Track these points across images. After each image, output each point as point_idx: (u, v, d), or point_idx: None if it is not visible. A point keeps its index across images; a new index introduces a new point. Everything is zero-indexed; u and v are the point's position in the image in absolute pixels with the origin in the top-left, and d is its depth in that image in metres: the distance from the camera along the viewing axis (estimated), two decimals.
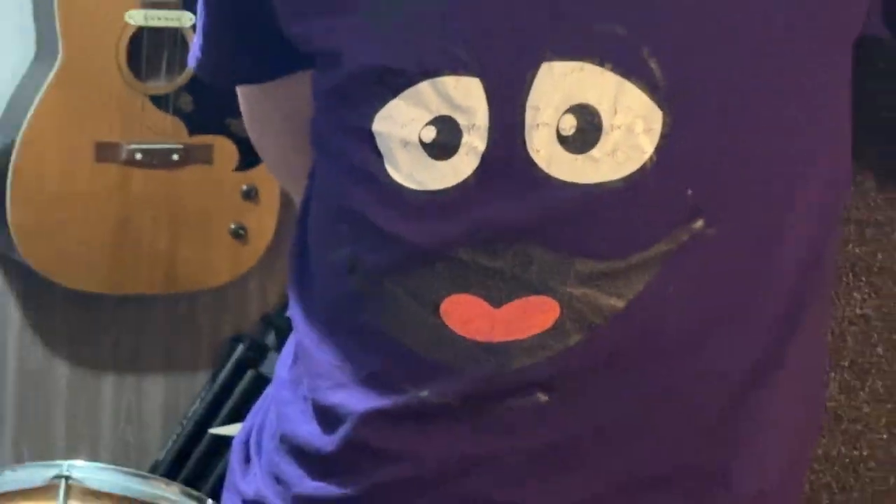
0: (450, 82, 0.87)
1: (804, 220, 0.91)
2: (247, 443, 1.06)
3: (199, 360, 2.67)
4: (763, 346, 0.91)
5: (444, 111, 0.89)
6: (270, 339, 2.52)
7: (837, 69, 0.90)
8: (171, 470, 2.31)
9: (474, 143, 0.88)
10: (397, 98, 0.90)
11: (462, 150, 0.88)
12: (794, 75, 0.88)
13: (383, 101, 0.89)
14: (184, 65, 2.29)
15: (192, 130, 2.36)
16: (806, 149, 0.90)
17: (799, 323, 0.93)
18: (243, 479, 1.04)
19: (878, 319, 1.20)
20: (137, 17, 2.32)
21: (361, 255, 0.93)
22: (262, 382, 2.37)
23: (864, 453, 1.20)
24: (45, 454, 2.35)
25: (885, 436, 1.21)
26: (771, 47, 0.86)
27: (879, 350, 1.21)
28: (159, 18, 2.36)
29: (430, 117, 0.89)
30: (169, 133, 2.37)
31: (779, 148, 0.88)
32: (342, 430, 0.92)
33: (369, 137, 0.90)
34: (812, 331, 0.97)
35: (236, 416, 2.39)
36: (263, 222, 2.48)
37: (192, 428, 2.46)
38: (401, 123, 0.89)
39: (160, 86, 2.35)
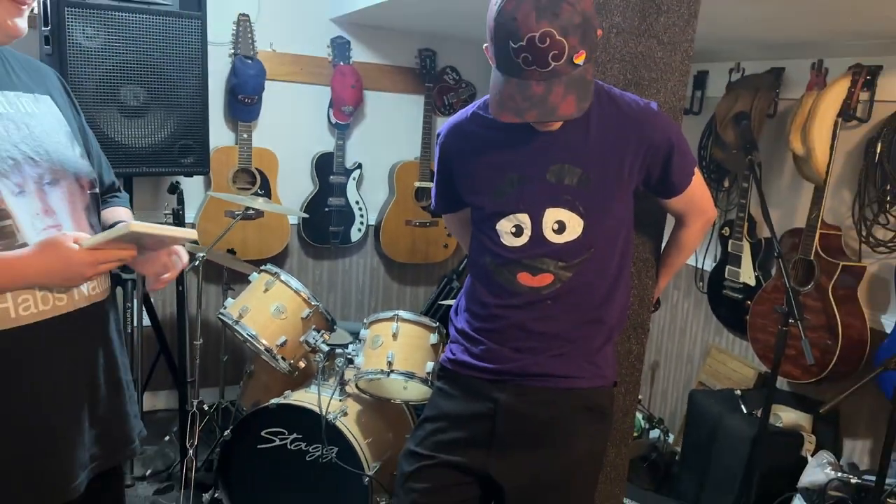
0: (519, 216, 1.43)
1: (622, 242, 1.49)
2: (456, 308, 1.60)
3: (431, 281, 3.95)
4: (612, 281, 1.49)
5: (517, 223, 1.44)
6: (454, 275, 3.67)
7: (629, 202, 1.49)
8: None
9: (528, 233, 1.42)
10: (503, 220, 1.45)
11: (524, 235, 1.42)
12: (618, 206, 1.46)
13: (498, 221, 1.45)
14: (429, 198, 3.54)
15: (433, 216, 3.71)
16: (622, 225, 1.49)
17: (622, 271, 1.51)
18: (456, 320, 1.59)
19: (635, 274, 1.70)
20: (417, 184, 3.65)
21: (492, 260, 1.47)
22: (454, 289, 3.61)
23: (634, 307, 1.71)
24: (387, 308, 3.29)
25: (636, 305, 1.75)
26: (612, 201, 1.43)
27: (636, 283, 1.72)
28: (423, 183, 3.66)
29: (512, 225, 1.44)
30: (427, 217, 3.72)
31: (616, 225, 1.48)
32: (487, 309, 1.50)
33: (496, 231, 1.45)
34: (627, 273, 1.54)
35: (446, 297, 3.55)
36: (453, 242, 3.80)
37: (430, 303, 3.70)
38: (505, 227, 1.44)
39: (424, 205, 3.68)
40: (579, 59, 1.26)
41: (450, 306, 1.66)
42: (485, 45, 1.36)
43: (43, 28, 2.58)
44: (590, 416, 1.51)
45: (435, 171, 1.59)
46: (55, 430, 1.30)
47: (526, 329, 1.46)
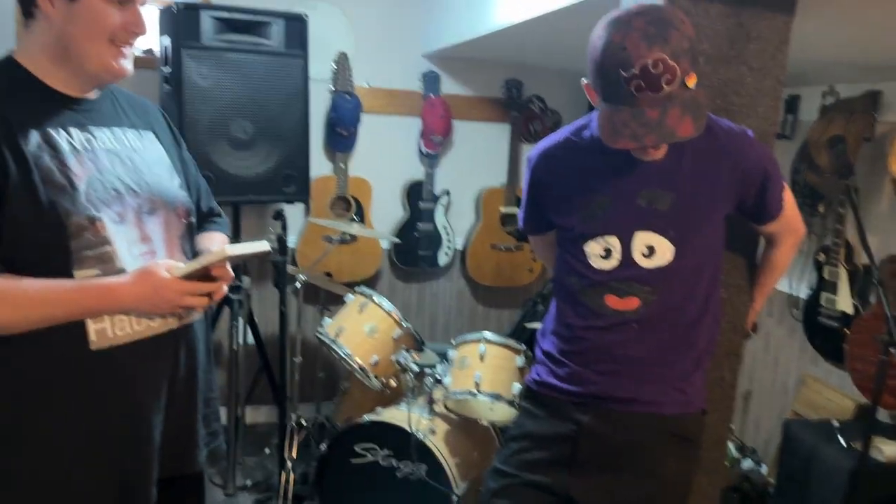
0: (608, 238, 1.42)
1: (712, 268, 1.48)
2: (543, 330, 1.60)
3: (516, 303, 3.87)
4: (700, 306, 1.47)
5: (607, 246, 1.43)
6: (539, 299, 3.34)
7: (720, 227, 1.47)
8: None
9: (618, 256, 1.41)
10: (592, 241, 1.44)
11: (613, 258, 1.42)
12: (710, 231, 1.45)
13: (587, 241, 1.44)
14: (514, 223, 3.45)
15: (519, 240, 3.69)
16: (712, 250, 1.48)
17: (711, 295, 1.48)
18: (542, 342, 1.59)
19: (728, 300, 1.68)
20: (503, 210, 3.62)
21: (578, 281, 1.46)
22: (538, 312, 3.28)
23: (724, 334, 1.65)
24: (472, 330, 2.63)
25: (729, 332, 1.71)
26: (703, 226, 1.42)
27: (729, 309, 1.67)
28: (509, 209, 3.62)
29: (602, 247, 1.43)
30: (513, 242, 3.70)
31: (706, 251, 1.46)
32: (572, 331, 1.49)
33: (584, 252, 1.45)
34: (716, 298, 1.51)
35: (531, 320, 3.27)
36: (538, 266, 3.76)
37: (515, 325, 3.40)
38: (594, 249, 1.43)
39: (509, 229, 3.65)
40: (691, 82, 1.26)
41: (535, 329, 1.75)
42: (584, 81, 1.36)
43: (163, 68, 2.75)
44: (674, 443, 1.49)
45: (524, 193, 1.60)
46: (141, 441, 1.36)
47: (610, 352, 1.45)
